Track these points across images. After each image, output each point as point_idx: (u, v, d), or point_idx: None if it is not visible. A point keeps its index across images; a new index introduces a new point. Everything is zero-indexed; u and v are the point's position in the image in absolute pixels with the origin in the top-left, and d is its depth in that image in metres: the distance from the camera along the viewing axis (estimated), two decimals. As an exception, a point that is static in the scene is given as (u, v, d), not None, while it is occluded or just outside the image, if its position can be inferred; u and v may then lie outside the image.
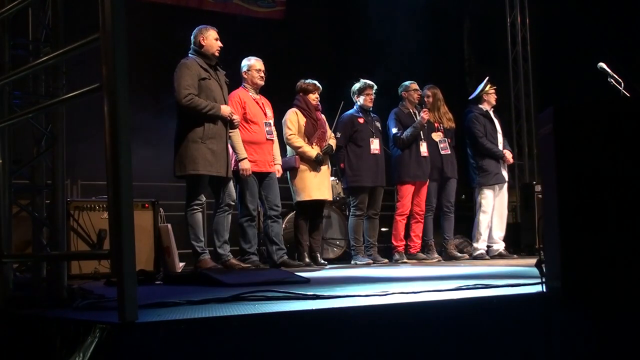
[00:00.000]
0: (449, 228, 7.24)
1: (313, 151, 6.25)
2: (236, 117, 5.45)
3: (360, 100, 6.75)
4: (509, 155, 7.24)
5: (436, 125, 7.19)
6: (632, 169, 2.46)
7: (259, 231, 6.41)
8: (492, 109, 7.40)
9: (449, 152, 7.17)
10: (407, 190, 6.94)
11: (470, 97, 7.45)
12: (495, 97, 7.38)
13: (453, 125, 7.30)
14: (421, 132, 6.92)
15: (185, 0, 8.48)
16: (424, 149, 6.94)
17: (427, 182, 7.03)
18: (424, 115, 6.85)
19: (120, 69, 1.99)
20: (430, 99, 7.24)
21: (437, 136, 7.14)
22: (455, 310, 2.40)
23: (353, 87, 6.86)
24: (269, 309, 2.20)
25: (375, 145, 6.68)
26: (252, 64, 5.96)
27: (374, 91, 6.78)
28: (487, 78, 7.41)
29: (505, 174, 7.27)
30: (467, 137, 7.29)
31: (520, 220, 8.99)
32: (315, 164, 6.27)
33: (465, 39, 10.31)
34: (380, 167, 6.74)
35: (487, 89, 7.34)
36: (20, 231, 3.25)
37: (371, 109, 6.84)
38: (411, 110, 7.05)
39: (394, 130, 6.92)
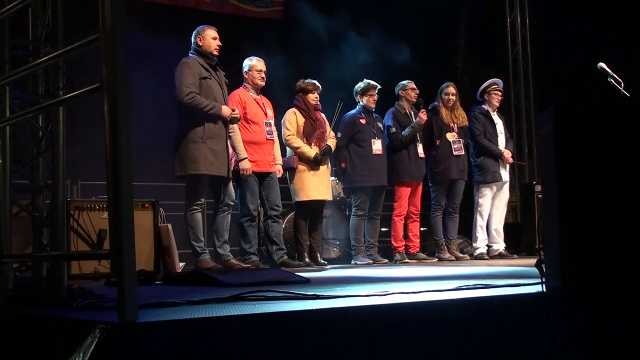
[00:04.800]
0: (453, 229, 7.24)
1: (312, 151, 6.25)
2: (236, 115, 5.43)
3: (364, 100, 6.77)
4: (507, 154, 7.22)
5: (451, 125, 7.14)
6: (632, 168, 2.46)
7: (259, 231, 6.42)
8: (495, 110, 7.39)
9: (462, 153, 7.11)
10: (404, 190, 6.95)
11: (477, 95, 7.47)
12: (498, 99, 7.35)
13: (467, 123, 7.26)
14: (417, 134, 6.91)
15: (182, 1, 8.48)
16: (420, 149, 6.93)
17: (422, 183, 7.04)
18: (423, 116, 6.84)
19: (120, 69, 1.99)
20: (454, 98, 7.20)
21: (451, 136, 7.10)
22: (455, 310, 2.40)
23: (356, 87, 6.86)
24: (269, 309, 2.20)
25: (377, 145, 6.68)
26: (254, 64, 5.95)
27: (376, 91, 6.79)
28: (493, 79, 7.41)
29: (504, 173, 7.25)
30: (468, 137, 7.29)
31: (520, 220, 8.99)
32: (313, 164, 6.27)
33: (462, 39, 10.30)
34: (382, 168, 6.74)
35: (488, 88, 7.34)
36: (20, 231, 3.25)
37: (374, 109, 6.84)
38: (407, 110, 7.04)
39: (392, 130, 6.91)
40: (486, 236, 7.23)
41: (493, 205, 7.24)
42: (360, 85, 6.82)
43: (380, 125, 6.86)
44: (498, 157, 7.19)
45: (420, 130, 6.89)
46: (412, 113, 7.01)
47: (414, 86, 7.05)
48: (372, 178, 6.66)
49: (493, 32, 10.38)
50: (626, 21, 8.74)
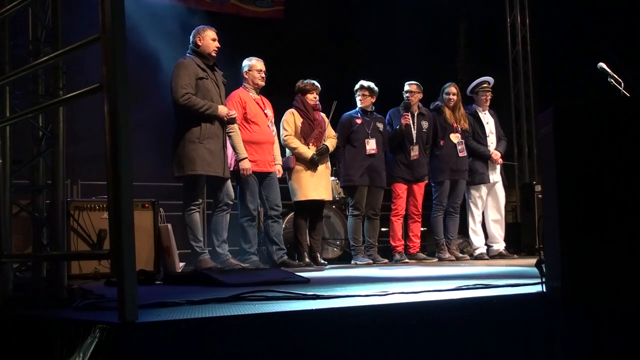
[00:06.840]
0: (453, 229, 7.24)
1: (309, 151, 6.25)
2: (233, 113, 5.43)
3: (357, 100, 6.79)
4: (495, 155, 7.21)
5: (455, 126, 7.12)
6: (632, 168, 2.46)
7: (259, 231, 6.41)
8: (486, 110, 7.37)
9: (465, 154, 7.12)
10: (400, 191, 6.96)
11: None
12: (487, 98, 7.32)
13: (467, 126, 7.27)
14: (414, 135, 6.91)
15: (182, 0, 8.47)
16: (414, 152, 6.91)
17: (423, 183, 7.04)
18: (403, 120, 6.84)
19: (120, 69, 1.99)
20: (455, 97, 7.18)
21: (455, 138, 7.09)
22: (455, 310, 2.40)
23: (355, 88, 6.88)
24: (269, 309, 2.20)
25: (371, 145, 6.66)
26: (253, 64, 5.96)
27: (369, 92, 6.77)
28: (484, 77, 7.40)
29: (493, 174, 7.21)
30: None
31: (520, 220, 8.98)
32: (311, 164, 6.27)
33: (462, 39, 10.30)
34: (377, 168, 6.73)
35: (477, 87, 7.33)
36: (20, 231, 3.25)
37: (373, 109, 6.83)
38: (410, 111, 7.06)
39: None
40: (482, 236, 7.24)
41: (490, 206, 7.25)
42: (356, 86, 6.85)
43: (379, 125, 6.85)
44: (487, 158, 7.19)
45: (402, 134, 6.85)
46: (413, 114, 7.00)
47: (410, 89, 7.02)
48: (362, 177, 6.66)
49: (493, 32, 10.38)
50: (626, 21, 8.74)
